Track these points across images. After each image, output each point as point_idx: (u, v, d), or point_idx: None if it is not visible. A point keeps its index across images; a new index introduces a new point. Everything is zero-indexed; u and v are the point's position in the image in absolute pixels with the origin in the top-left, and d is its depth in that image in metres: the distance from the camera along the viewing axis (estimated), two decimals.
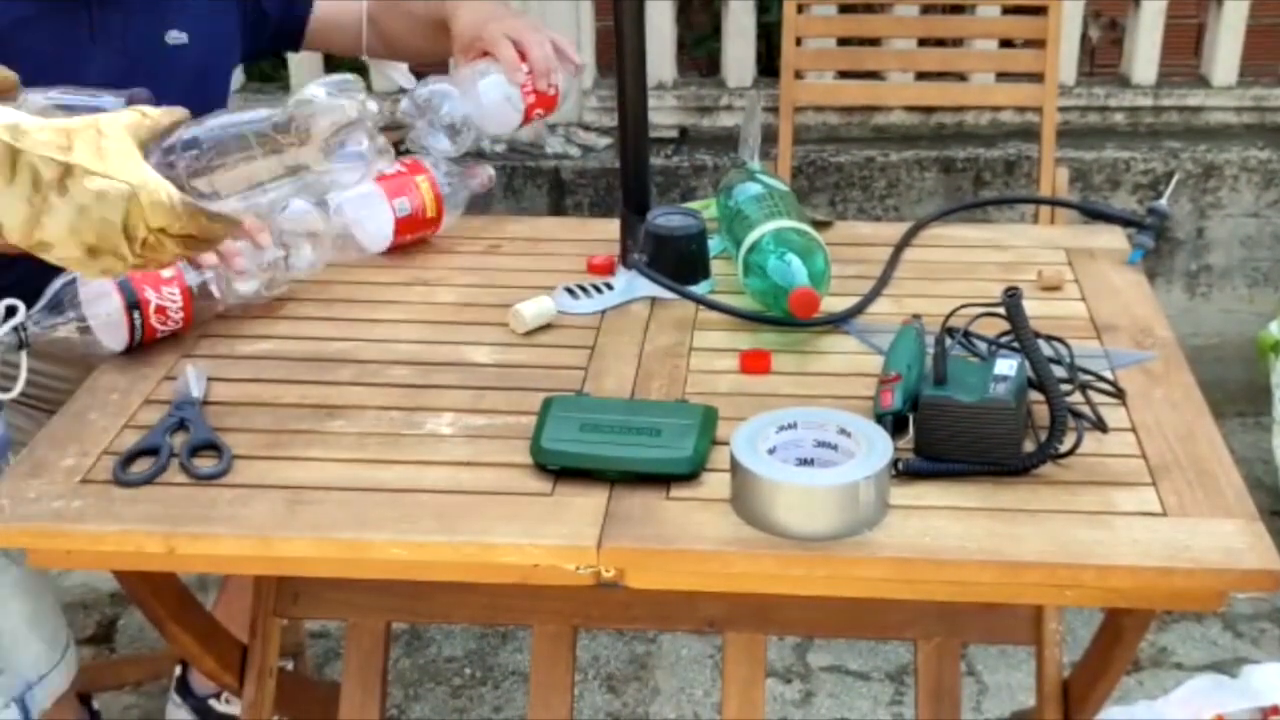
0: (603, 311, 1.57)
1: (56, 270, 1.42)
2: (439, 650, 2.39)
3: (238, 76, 2.95)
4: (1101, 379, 1.38)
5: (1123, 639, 1.54)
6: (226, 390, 1.41)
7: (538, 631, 1.68)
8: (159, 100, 1.78)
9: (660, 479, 1.24)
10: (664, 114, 2.93)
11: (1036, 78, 2.54)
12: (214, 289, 1.51)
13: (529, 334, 1.52)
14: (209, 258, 1.49)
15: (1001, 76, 2.77)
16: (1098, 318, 1.54)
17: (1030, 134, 2.79)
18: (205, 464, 1.28)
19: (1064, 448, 1.24)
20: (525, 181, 2.90)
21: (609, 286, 1.61)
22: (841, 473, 1.17)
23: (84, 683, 2.08)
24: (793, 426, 1.23)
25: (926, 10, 2.68)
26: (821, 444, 1.23)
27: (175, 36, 1.80)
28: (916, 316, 1.46)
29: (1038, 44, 2.53)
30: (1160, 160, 2.89)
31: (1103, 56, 3.32)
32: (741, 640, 1.64)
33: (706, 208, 1.70)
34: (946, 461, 1.24)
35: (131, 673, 2.28)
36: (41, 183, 1.09)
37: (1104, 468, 1.25)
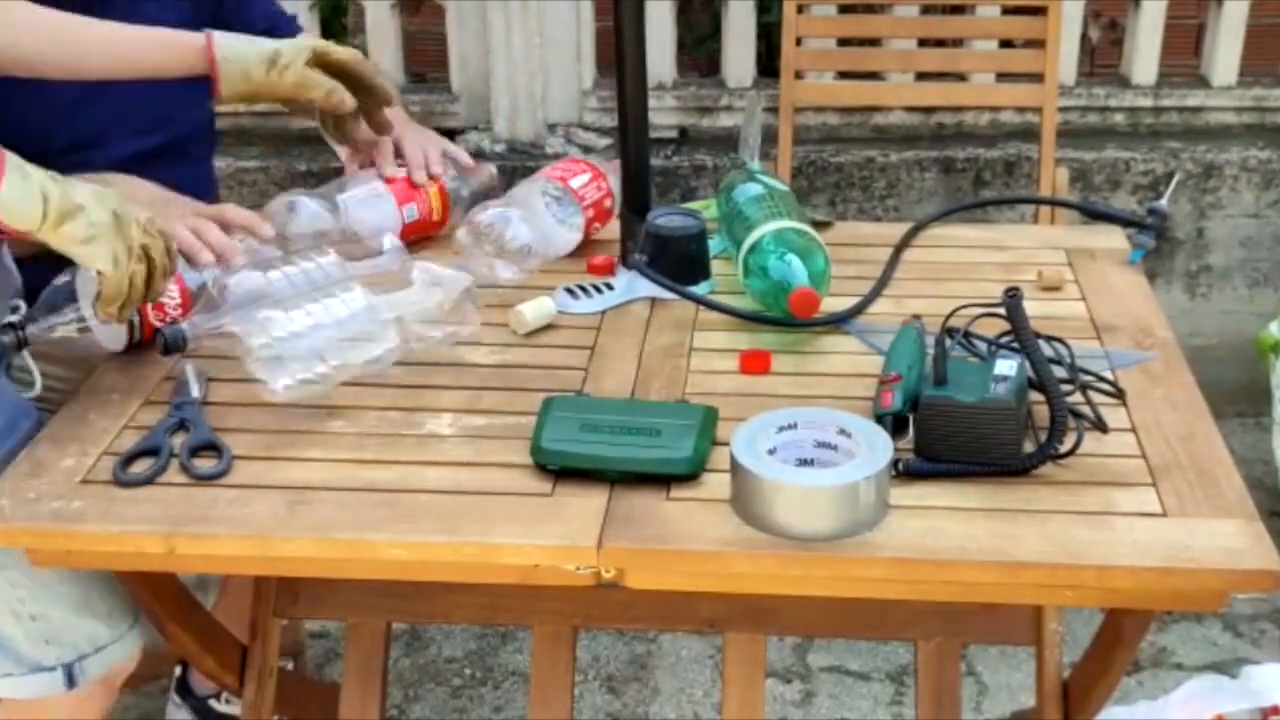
0: (603, 312, 1.57)
1: (55, 271, 1.43)
2: (439, 650, 2.39)
3: None
4: (1102, 379, 1.38)
5: (1123, 639, 1.54)
6: (226, 390, 1.41)
7: (538, 632, 1.69)
8: (139, 115, 1.80)
9: (660, 479, 1.24)
10: (664, 114, 2.93)
11: (1036, 78, 2.54)
12: (212, 289, 1.51)
13: (529, 334, 1.52)
14: (206, 256, 1.50)
15: (1001, 77, 2.77)
16: (1098, 318, 1.54)
17: (1030, 134, 2.79)
18: (205, 464, 1.28)
19: (1064, 448, 1.24)
20: None
21: (609, 287, 1.61)
22: (841, 473, 1.17)
23: None
24: (793, 427, 1.23)
25: (926, 10, 2.67)
26: (821, 444, 1.23)
27: None
28: (917, 317, 1.46)
29: (1038, 44, 2.53)
30: (1160, 160, 2.89)
31: (1103, 56, 3.31)
32: (741, 640, 1.64)
33: (707, 208, 1.70)
34: (947, 462, 1.24)
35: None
36: (57, 178, 1.30)
37: (1104, 468, 1.25)
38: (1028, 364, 1.28)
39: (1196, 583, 1.14)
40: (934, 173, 2.90)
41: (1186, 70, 3.08)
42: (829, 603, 1.63)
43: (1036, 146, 2.57)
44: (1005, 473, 1.24)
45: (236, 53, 1.55)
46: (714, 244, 1.64)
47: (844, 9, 2.67)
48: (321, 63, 1.58)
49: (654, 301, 1.59)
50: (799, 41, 2.55)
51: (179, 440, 1.31)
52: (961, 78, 2.84)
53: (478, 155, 2.86)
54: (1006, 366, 1.27)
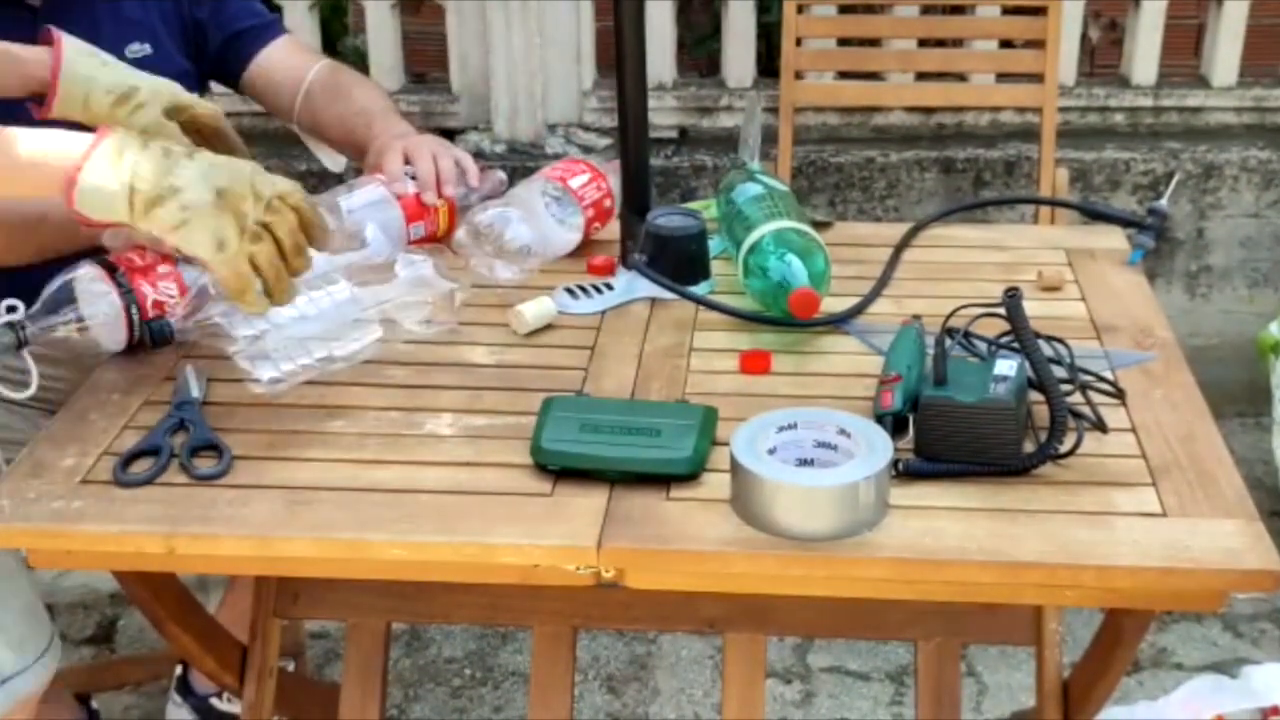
0: (603, 312, 1.57)
1: (55, 270, 1.42)
2: (439, 650, 2.39)
3: None
4: (1101, 379, 1.38)
5: (1123, 639, 1.54)
6: (226, 391, 1.41)
7: (538, 632, 1.69)
8: None
9: (660, 479, 1.24)
10: (664, 114, 2.93)
11: (1036, 78, 2.54)
12: (211, 288, 1.51)
13: (529, 334, 1.52)
14: None
15: (1001, 77, 2.77)
16: (1098, 318, 1.54)
17: (1030, 134, 2.79)
18: (205, 464, 1.28)
19: (1064, 448, 1.24)
20: None
21: (609, 287, 1.61)
22: (841, 473, 1.17)
23: (84, 683, 2.09)
24: (793, 427, 1.23)
25: (926, 10, 2.67)
26: (821, 444, 1.23)
27: (137, 49, 1.79)
28: (916, 317, 1.46)
29: (1038, 44, 2.53)
30: (1160, 161, 2.89)
31: (1103, 57, 3.31)
32: (741, 641, 1.64)
33: (707, 208, 1.70)
34: (946, 462, 1.24)
35: (131, 673, 2.28)
36: (173, 152, 1.24)
37: (1104, 468, 1.25)
38: (1027, 364, 1.28)
39: (1196, 583, 1.14)
40: (934, 173, 2.90)
41: (1186, 70, 3.09)
42: (829, 603, 1.63)
43: (1036, 146, 2.57)
44: (1005, 473, 1.23)
45: (83, 73, 1.43)
46: (714, 244, 1.64)
47: (844, 9, 2.67)
48: (182, 118, 1.44)
49: (654, 301, 1.59)
50: (799, 41, 2.55)
51: (179, 440, 1.31)
52: (961, 78, 2.84)
53: (477, 155, 2.86)
54: (1006, 366, 1.27)
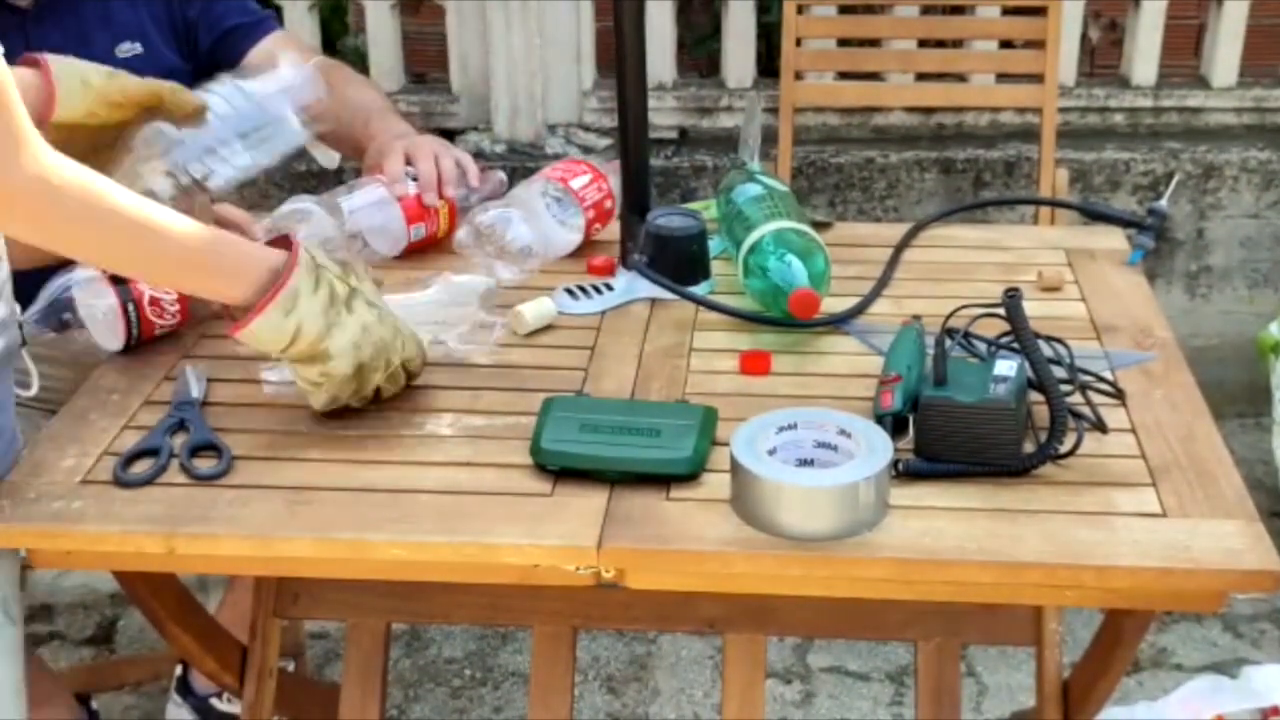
0: (603, 312, 1.57)
1: (52, 271, 1.42)
2: (439, 651, 2.39)
3: None
4: (1101, 380, 1.38)
5: (1123, 640, 1.54)
6: (226, 391, 1.41)
7: (538, 632, 1.68)
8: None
9: (660, 479, 1.24)
10: (664, 114, 2.93)
11: (1036, 78, 2.54)
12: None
13: (529, 334, 1.52)
14: None
15: (1001, 77, 2.77)
16: (1098, 318, 1.54)
17: (1030, 135, 2.79)
18: (205, 464, 1.28)
19: (1064, 448, 1.24)
20: None
21: (609, 287, 1.61)
22: (841, 473, 1.17)
23: (84, 683, 2.09)
24: (793, 427, 1.23)
25: (926, 11, 2.68)
26: (821, 445, 1.23)
27: (127, 48, 1.79)
28: (916, 317, 1.46)
29: (1038, 45, 2.53)
30: (1160, 161, 2.89)
31: (1103, 57, 3.31)
32: (741, 641, 1.64)
33: (707, 208, 1.70)
34: (946, 462, 1.24)
35: (131, 673, 2.28)
36: (337, 299, 1.28)
37: (1104, 468, 1.25)
38: (1027, 364, 1.28)
39: (1196, 583, 1.14)
40: (934, 173, 2.90)
41: (1186, 70, 3.09)
42: (829, 603, 1.63)
43: (1036, 147, 2.57)
44: (1005, 473, 1.24)
45: (71, 64, 1.46)
46: (714, 244, 1.64)
47: (844, 9, 2.67)
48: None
49: (654, 302, 1.59)
50: (799, 42, 2.55)
51: (179, 440, 1.31)
52: (961, 78, 2.84)
53: (477, 156, 2.86)
54: (1006, 367, 1.27)
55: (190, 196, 1.48)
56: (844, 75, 2.82)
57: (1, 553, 1.29)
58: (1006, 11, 2.63)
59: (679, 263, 1.58)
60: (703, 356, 1.48)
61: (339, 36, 3.27)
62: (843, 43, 2.75)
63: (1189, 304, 2.99)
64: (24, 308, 1.39)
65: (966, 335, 1.39)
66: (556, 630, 1.67)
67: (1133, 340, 1.49)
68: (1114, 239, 1.74)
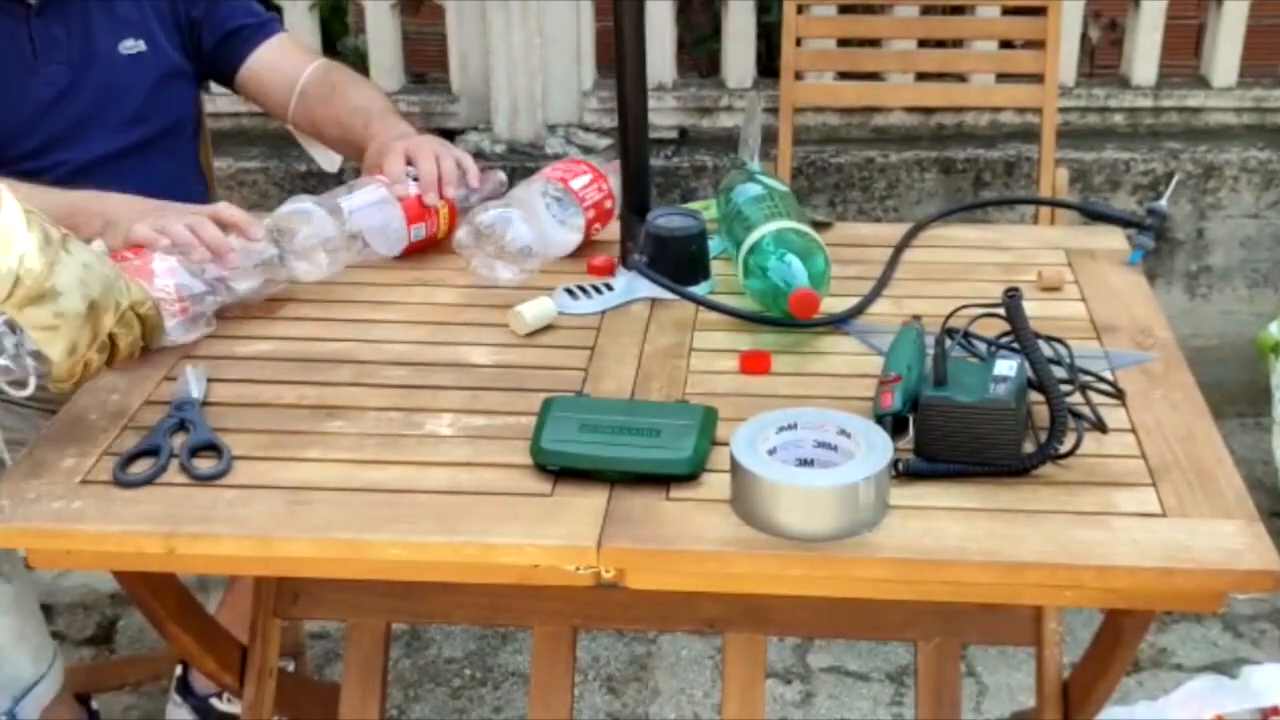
0: (603, 312, 1.57)
1: None
2: (439, 651, 2.39)
3: None
4: (1101, 380, 1.38)
5: (1123, 640, 1.54)
6: (226, 391, 1.41)
7: (537, 632, 1.68)
8: (115, 107, 1.79)
9: (660, 479, 1.24)
10: (664, 115, 2.93)
11: (1036, 78, 2.54)
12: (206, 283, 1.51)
13: (529, 334, 1.52)
14: (201, 253, 1.50)
15: (1001, 77, 2.77)
16: (1097, 318, 1.54)
17: (1030, 135, 2.79)
18: (205, 464, 1.28)
19: (1064, 448, 1.24)
20: None
21: (609, 287, 1.61)
22: (841, 473, 1.17)
23: (84, 683, 2.09)
24: (793, 427, 1.23)
25: (926, 11, 2.67)
26: (821, 444, 1.23)
27: (131, 45, 1.79)
28: (916, 317, 1.46)
29: (1038, 45, 2.52)
30: (1160, 161, 2.89)
31: (1103, 57, 3.31)
32: (741, 641, 1.64)
33: (707, 208, 1.70)
34: (946, 462, 1.24)
35: (131, 673, 2.28)
36: (52, 239, 1.24)
37: (1104, 468, 1.25)
38: (1027, 364, 1.28)
39: (1196, 583, 1.14)
40: (934, 173, 2.90)
41: (1186, 70, 3.09)
42: (829, 603, 1.63)
43: (1036, 147, 2.57)
44: (1005, 473, 1.23)
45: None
46: (714, 244, 1.64)
47: (844, 9, 2.67)
48: None
49: (654, 302, 1.59)
50: (799, 42, 2.55)
51: (179, 440, 1.31)
52: (961, 78, 2.84)
53: (477, 156, 2.86)
54: (1006, 367, 1.27)
55: None
56: (844, 75, 2.82)
57: None
58: (1006, 11, 2.63)
59: (679, 263, 1.58)
60: (703, 356, 1.48)
61: (339, 36, 3.27)
62: (843, 43, 2.75)
63: (1189, 304, 2.99)
64: None
65: (966, 335, 1.39)
66: (556, 630, 1.67)
67: (1133, 340, 1.49)
68: (1114, 239, 1.74)
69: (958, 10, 2.70)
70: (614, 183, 1.69)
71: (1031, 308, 1.31)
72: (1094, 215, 1.83)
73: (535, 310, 1.52)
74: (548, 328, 1.53)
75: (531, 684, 1.70)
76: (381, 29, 2.96)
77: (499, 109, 2.94)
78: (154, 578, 1.56)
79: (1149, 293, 1.61)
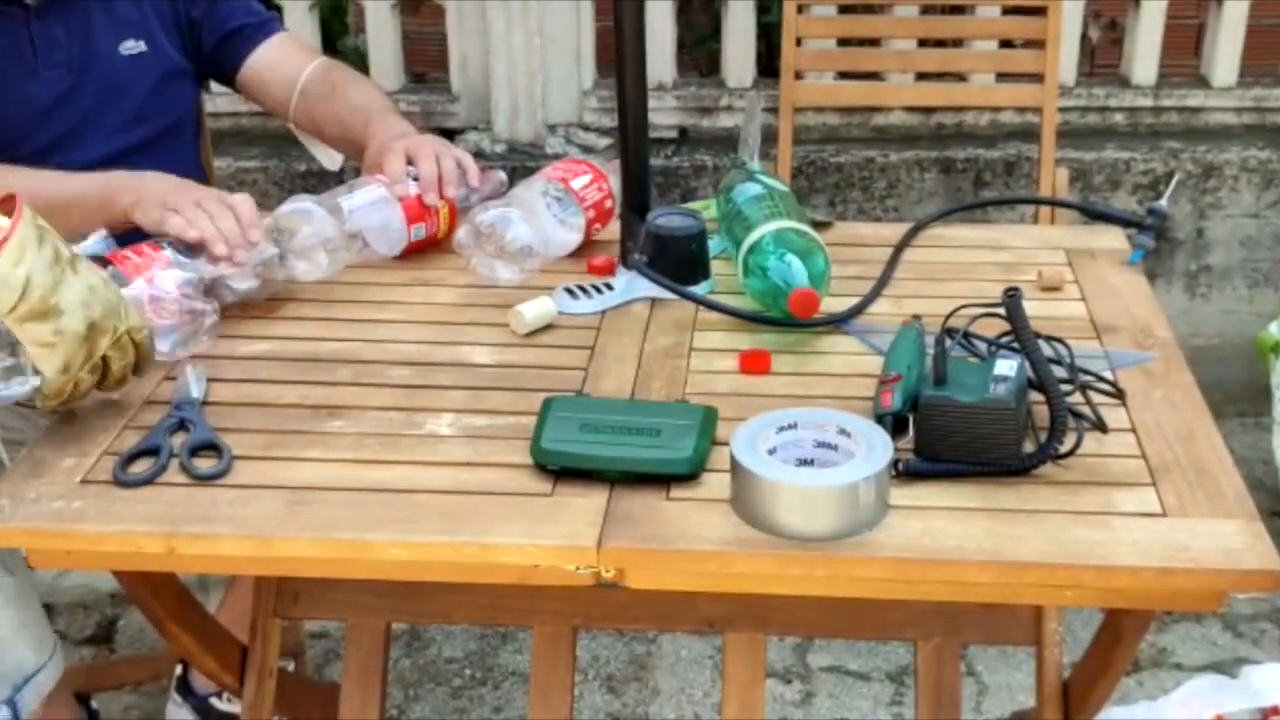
0: (603, 312, 1.57)
1: None
2: (439, 651, 2.39)
3: None
4: (1101, 379, 1.38)
5: (1123, 639, 1.54)
6: (226, 390, 1.41)
7: (538, 632, 1.68)
8: (118, 110, 1.79)
9: (660, 479, 1.24)
10: (664, 114, 2.93)
11: (1036, 78, 2.54)
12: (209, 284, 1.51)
13: (529, 334, 1.52)
14: (221, 249, 1.51)
15: (1001, 77, 2.77)
16: (1098, 318, 1.54)
17: (1030, 134, 2.79)
18: (205, 464, 1.28)
19: (1064, 448, 1.24)
20: None
21: (609, 287, 1.61)
22: (841, 473, 1.17)
23: (84, 683, 2.09)
24: (793, 427, 1.24)
25: (926, 10, 2.67)
26: (821, 444, 1.23)
27: (131, 46, 1.79)
28: (916, 317, 1.46)
29: (1038, 44, 2.52)
30: (1160, 161, 2.89)
31: (1103, 57, 3.31)
32: (741, 640, 1.64)
33: (707, 208, 1.70)
34: (946, 462, 1.24)
35: (131, 673, 2.28)
36: (61, 258, 1.26)
37: (1104, 468, 1.25)
38: (1027, 364, 1.28)
39: (1196, 582, 1.14)
40: (934, 173, 2.90)
41: (1186, 70, 3.09)
42: (829, 603, 1.63)
43: (1036, 146, 2.57)
44: (1005, 473, 1.23)
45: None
46: (714, 244, 1.64)
47: (844, 9, 2.67)
48: None
49: (654, 302, 1.59)
50: (799, 41, 2.55)
51: (179, 440, 1.31)
52: (961, 78, 2.84)
53: (478, 155, 2.86)
54: (1006, 367, 1.27)
55: None
56: (844, 75, 2.82)
57: None
58: (1006, 11, 2.62)
59: (679, 262, 1.58)
60: (703, 356, 1.48)
61: (339, 36, 3.27)
62: (843, 42, 2.75)
63: (1189, 304, 2.99)
64: None
65: (966, 335, 1.39)
66: (556, 630, 1.67)
67: (1133, 340, 1.49)
68: (1114, 239, 1.74)
69: (958, 10, 2.70)
70: (614, 182, 1.69)
71: (1031, 307, 1.31)
72: (1094, 215, 1.83)
73: (535, 310, 1.52)
74: (548, 327, 1.53)
75: (531, 684, 1.70)
76: (381, 29, 2.96)
77: (499, 109, 2.94)
78: (154, 577, 1.56)
79: (1149, 292, 1.61)
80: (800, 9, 2.53)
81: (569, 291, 1.59)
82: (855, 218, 2.91)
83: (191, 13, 1.87)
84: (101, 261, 1.43)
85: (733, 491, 1.20)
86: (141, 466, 1.27)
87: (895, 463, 1.21)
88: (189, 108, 1.94)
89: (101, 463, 1.29)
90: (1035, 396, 1.30)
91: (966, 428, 1.23)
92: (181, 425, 1.33)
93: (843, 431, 1.22)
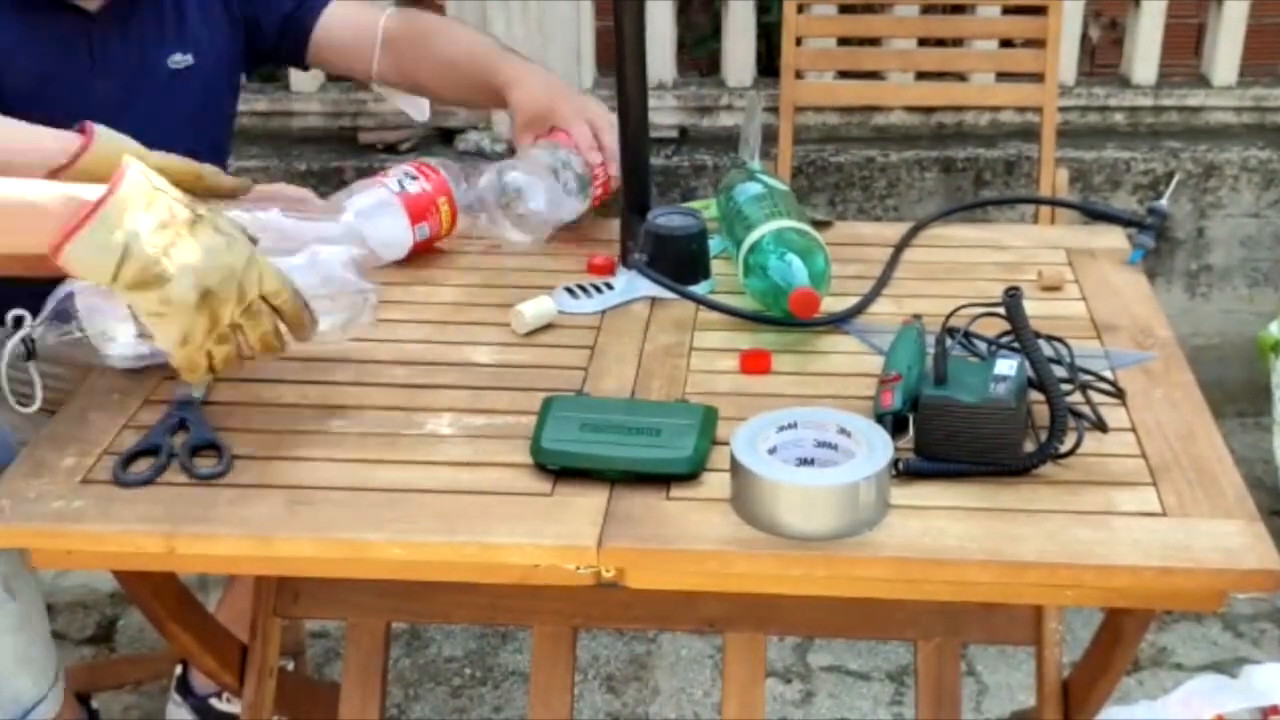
0: (603, 311, 1.57)
1: (58, 281, 1.41)
2: (439, 650, 2.39)
3: None
4: (1102, 379, 1.38)
5: (1123, 639, 1.54)
6: (227, 390, 1.41)
7: (538, 632, 1.68)
8: (162, 124, 1.78)
9: (660, 479, 1.24)
10: (664, 114, 2.93)
11: (1036, 78, 2.54)
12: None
13: (529, 334, 1.52)
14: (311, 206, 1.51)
15: (1001, 76, 2.77)
16: (1098, 318, 1.54)
17: (1030, 134, 2.79)
18: (205, 464, 1.28)
19: (1064, 448, 1.24)
20: None
21: (609, 286, 1.61)
22: (842, 473, 1.17)
23: (84, 683, 2.09)
24: (793, 426, 1.23)
25: (926, 10, 2.68)
26: (822, 444, 1.23)
27: (179, 60, 1.76)
28: (917, 316, 1.46)
29: (1038, 44, 2.53)
30: (1160, 160, 2.89)
31: (1103, 56, 3.32)
32: (741, 640, 1.64)
33: (707, 208, 1.70)
34: (947, 461, 1.24)
35: (131, 673, 2.28)
36: (175, 219, 1.19)
37: (1104, 468, 1.25)
38: (1028, 364, 1.28)
39: (1196, 582, 1.14)
40: (934, 173, 2.90)
41: (1186, 70, 3.09)
42: (829, 602, 1.63)
43: (1036, 146, 2.57)
44: (1005, 472, 1.23)
45: (113, 136, 1.40)
46: (714, 244, 1.64)
47: (844, 9, 2.67)
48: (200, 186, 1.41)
49: (654, 301, 1.59)
50: (799, 41, 2.55)
51: (179, 440, 1.31)
52: (961, 78, 2.84)
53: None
54: (1006, 366, 1.27)
55: None
56: (844, 75, 2.82)
57: None
58: (1006, 11, 2.63)
59: (679, 262, 1.58)
60: (703, 356, 1.48)
61: None
62: (843, 42, 2.75)
63: (1189, 303, 2.99)
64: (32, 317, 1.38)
65: (967, 334, 1.39)
66: (556, 630, 1.67)
67: (1133, 339, 1.49)
68: (1114, 238, 1.73)
69: (958, 9, 2.70)
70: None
71: (1032, 307, 1.31)
72: (1094, 214, 1.83)
73: (535, 309, 1.53)
74: (548, 327, 1.53)
75: (531, 683, 1.70)
76: None
77: None
78: (154, 577, 1.56)
79: (1149, 292, 1.61)
80: (800, 9, 2.53)
81: (569, 291, 1.59)
82: (855, 217, 2.91)
83: (244, 11, 1.85)
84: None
85: (733, 491, 1.20)
86: (141, 466, 1.27)
87: (896, 462, 1.21)
88: (229, 125, 1.92)
89: (101, 462, 1.29)
90: (1035, 396, 1.30)
91: (967, 427, 1.23)
92: (181, 425, 1.33)
93: (843, 431, 1.22)
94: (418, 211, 1.67)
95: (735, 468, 1.19)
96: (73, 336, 1.39)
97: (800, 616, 1.68)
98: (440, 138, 2.98)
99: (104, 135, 1.41)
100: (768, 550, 1.16)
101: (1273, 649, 2.35)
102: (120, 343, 1.38)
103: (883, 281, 1.62)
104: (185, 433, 1.32)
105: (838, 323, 1.52)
